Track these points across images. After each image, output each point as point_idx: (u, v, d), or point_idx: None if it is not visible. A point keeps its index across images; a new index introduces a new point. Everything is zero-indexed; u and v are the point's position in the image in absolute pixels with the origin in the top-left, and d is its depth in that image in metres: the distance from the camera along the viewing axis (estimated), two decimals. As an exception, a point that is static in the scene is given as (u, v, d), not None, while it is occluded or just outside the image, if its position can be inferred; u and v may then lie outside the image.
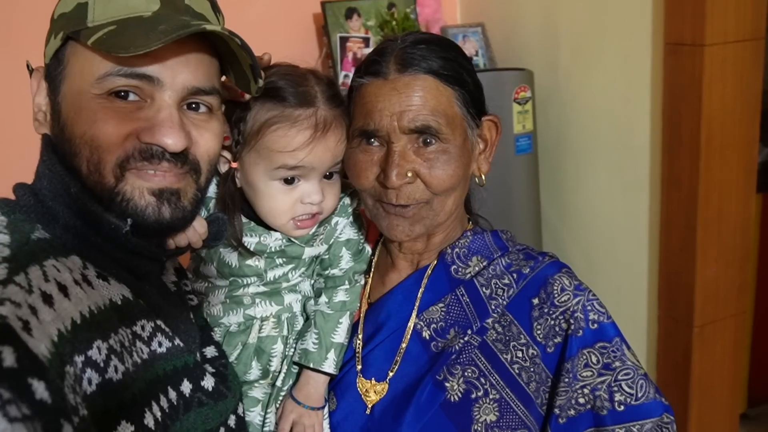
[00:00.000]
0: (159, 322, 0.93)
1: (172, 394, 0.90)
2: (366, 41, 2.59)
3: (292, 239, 1.14)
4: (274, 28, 2.58)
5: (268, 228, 1.14)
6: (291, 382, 1.17)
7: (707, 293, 2.04)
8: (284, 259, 1.15)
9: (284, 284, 1.17)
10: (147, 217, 0.87)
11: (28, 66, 0.96)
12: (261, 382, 1.16)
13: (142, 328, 0.89)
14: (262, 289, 1.16)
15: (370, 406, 1.11)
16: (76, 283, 0.79)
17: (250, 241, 1.13)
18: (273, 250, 1.14)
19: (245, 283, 1.16)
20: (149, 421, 0.82)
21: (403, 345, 1.13)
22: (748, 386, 2.89)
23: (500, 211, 2.32)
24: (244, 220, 1.14)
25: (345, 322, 1.16)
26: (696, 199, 1.93)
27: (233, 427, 1.05)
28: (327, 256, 1.19)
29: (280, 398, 1.16)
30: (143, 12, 0.86)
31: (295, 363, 1.16)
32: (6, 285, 0.69)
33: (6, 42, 2.13)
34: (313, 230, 1.15)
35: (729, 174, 1.97)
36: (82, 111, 0.85)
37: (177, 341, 0.95)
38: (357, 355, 1.16)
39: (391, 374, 1.12)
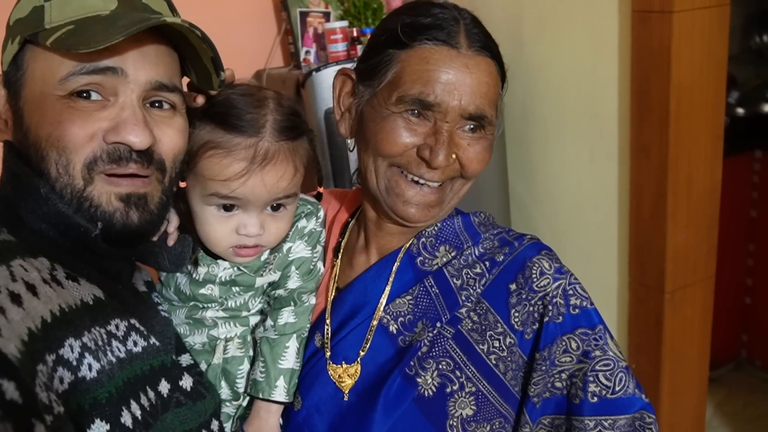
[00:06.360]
0: (133, 321, 0.91)
1: (151, 394, 0.89)
2: (326, 15, 2.52)
3: (242, 268, 1.08)
4: (232, 4, 2.50)
5: (216, 257, 1.08)
6: None
7: (677, 259, 2.07)
8: (240, 288, 1.10)
9: (245, 312, 1.12)
10: (115, 222, 0.86)
11: None
12: (234, 402, 1.11)
13: (117, 327, 0.87)
14: (221, 314, 1.11)
15: (347, 391, 1.05)
16: (45, 282, 0.77)
17: (199, 270, 1.08)
18: (224, 280, 1.08)
19: (204, 307, 1.11)
20: (127, 420, 0.81)
21: (369, 337, 1.07)
22: (708, 350, 2.97)
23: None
24: None
25: (293, 346, 1.10)
26: (666, 165, 1.95)
27: None
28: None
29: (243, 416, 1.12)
30: (101, 11, 0.86)
31: (246, 394, 1.11)
32: None
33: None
34: (264, 257, 1.09)
35: (697, 140, 1.99)
36: (46, 114, 0.84)
37: (152, 340, 0.94)
38: (326, 343, 1.10)
39: (362, 353, 1.06)
